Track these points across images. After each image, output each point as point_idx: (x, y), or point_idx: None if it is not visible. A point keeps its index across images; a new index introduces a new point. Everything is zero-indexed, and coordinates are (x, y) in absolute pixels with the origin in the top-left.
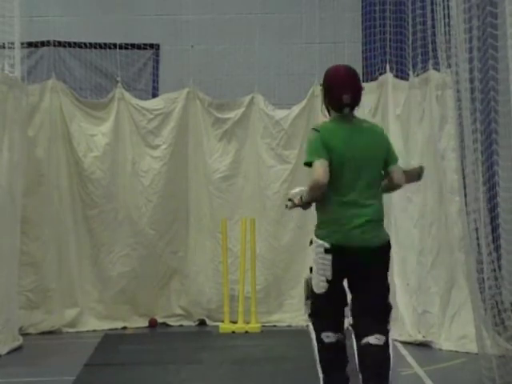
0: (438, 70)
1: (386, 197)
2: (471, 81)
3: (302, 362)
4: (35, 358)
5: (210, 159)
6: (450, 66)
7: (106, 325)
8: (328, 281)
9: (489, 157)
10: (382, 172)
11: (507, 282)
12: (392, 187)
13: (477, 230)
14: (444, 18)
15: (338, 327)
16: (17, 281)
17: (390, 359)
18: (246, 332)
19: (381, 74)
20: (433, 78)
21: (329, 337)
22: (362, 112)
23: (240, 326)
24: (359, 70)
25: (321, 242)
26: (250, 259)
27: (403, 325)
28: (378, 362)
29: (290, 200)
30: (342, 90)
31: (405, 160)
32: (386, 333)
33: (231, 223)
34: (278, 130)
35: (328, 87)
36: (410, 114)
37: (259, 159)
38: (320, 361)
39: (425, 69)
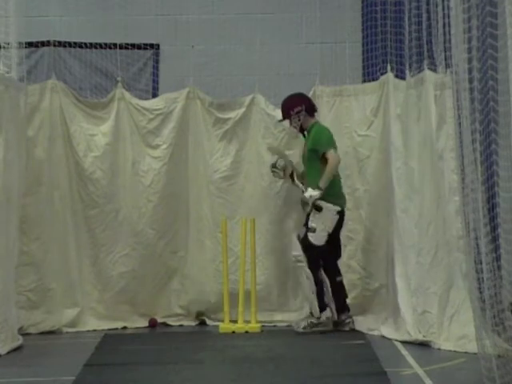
0: (433, 70)
1: (387, 197)
2: (470, 81)
3: (301, 362)
4: (35, 358)
5: (211, 159)
6: (449, 66)
7: (106, 325)
8: (329, 234)
9: (488, 157)
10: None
11: (506, 282)
12: None
13: (476, 229)
14: (444, 18)
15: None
16: (14, 281)
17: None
18: (246, 332)
19: (382, 73)
20: (428, 78)
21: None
22: (364, 112)
23: (240, 326)
24: (359, 70)
25: (334, 207)
26: (250, 259)
27: (404, 324)
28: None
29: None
30: (312, 103)
31: (404, 159)
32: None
33: (232, 223)
34: (279, 130)
35: (306, 101)
36: (408, 114)
37: (260, 159)
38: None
39: (420, 69)
